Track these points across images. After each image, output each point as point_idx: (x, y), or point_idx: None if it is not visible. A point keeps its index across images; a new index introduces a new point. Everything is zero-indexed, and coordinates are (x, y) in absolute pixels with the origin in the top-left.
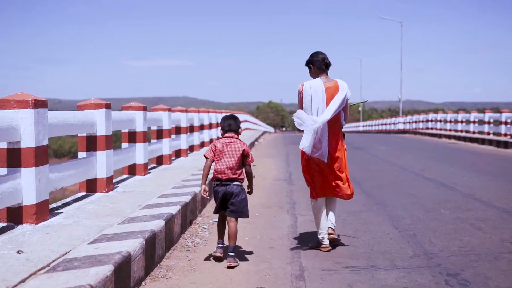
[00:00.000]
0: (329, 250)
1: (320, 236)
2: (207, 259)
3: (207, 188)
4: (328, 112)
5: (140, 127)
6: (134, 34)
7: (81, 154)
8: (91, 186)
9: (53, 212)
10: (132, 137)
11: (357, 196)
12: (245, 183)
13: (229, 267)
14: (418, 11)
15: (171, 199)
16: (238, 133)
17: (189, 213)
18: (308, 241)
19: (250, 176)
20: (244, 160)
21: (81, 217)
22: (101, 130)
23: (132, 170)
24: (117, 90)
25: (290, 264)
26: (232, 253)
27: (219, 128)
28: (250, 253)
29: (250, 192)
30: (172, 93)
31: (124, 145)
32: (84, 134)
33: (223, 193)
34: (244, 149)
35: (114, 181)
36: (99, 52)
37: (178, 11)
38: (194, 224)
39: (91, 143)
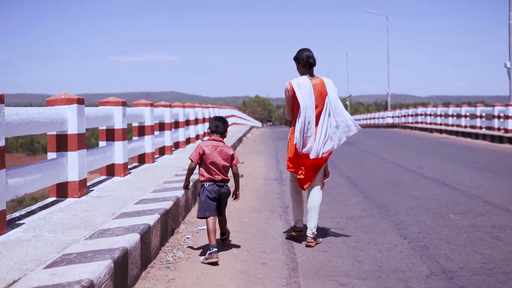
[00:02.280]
0: (300, 231)
1: (294, 219)
2: (190, 279)
3: (188, 187)
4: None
5: (118, 124)
6: (119, 29)
7: (51, 155)
8: (61, 191)
9: (13, 224)
10: (110, 134)
11: (355, 198)
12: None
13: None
14: (403, 4)
15: (150, 205)
16: (223, 136)
17: (170, 221)
18: (305, 253)
19: (237, 178)
20: (230, 162)
21: (44, 230)
22: (72, 128)
23: (110, 170)
24: (104, 85)
25: (287, 286)
26: (224, 236)
27: (208, 123)
28: (240, 271)
29: (236, 197)
30: (160, 88)
31: (102, 143)
32: (54, 133)
33: (217, 193)
34: (232, 154)
35: (89, 183)
36: (85, 47)
37: (162, 6)
38: (176, 233)
39: (62, 143)
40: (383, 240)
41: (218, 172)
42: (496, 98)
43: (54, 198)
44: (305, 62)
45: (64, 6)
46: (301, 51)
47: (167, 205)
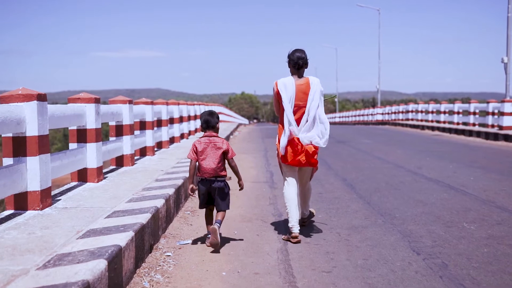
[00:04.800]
0: (298, 242)
1: (290, 225)
2: None
3: (195, 188)
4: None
5: (91, 123)
6: (103, 24)
7: (7, 161)
8: (20, 203)
9: None
10: (81, 135)
11: (355, 203)
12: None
13: (210, 244)
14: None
15: (124, 219)
16: (216, 129)
17: (148, 237)
18: (306, 275)
19: (235, 170)
20: (225, 156)
21: None
22: (32, 129)
23: (82, 175)
24: (87, 82)
25: None
26: (218, 224)
27: (195, 120)
28: None
29: (241, 188)
30: (146, 85)
31: (72, 145)
32: (10, 135)
33: (207, 189)
34: (224, 148)
35: (57, 191)
36: (68, 43)
37: (148, 1)
38: (155, 249)
39: (19, 146)
40: (394, 257)
41: (208, 169)
42: (482, 95)
43: (11, 211)
44: (295, 63)
45: (46, 1)
46: (294, 51)
47: (144, 218)
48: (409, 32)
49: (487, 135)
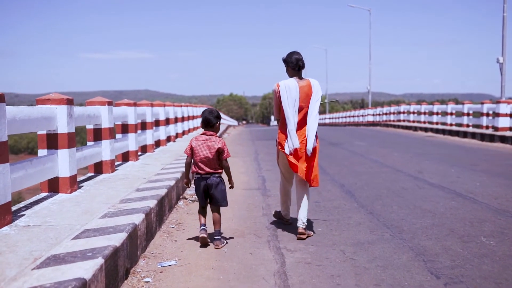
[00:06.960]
0: (289, 223)
1: (282, 213)
2: None
3: (189, 182)
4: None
5: (63, 127)
6: (91, 26)
7: None
8: None
9: None
10: (51, 141)
11: (357, 214)
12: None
13: (217, 249)
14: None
15: (94, 241)
16: (215, 128)
17: (123, 260)
18: None
19: (227, 170)
20: (220, 156)
21: None
22: None
23: (53, 186)
24: (75, 84)
25: None
26: (218, 237)
27: (182, 122)
28: None
29: (231, 187)
30: (134, 87)
31: (42, 152)
32: None
33: (204, 185)
34: (219, 147)
35: (22, 204)
36: (55, 44)
37: (136, 2)
38: (132, 274)
39: None
40: (410, 281)
41: (203, 166)
42: (469, 96)
43: None
44: (294, 65)
45: (33, 2)
46: (291, 54)
47: (118, 240)
48: (397, 33)
49: (482, 137)
